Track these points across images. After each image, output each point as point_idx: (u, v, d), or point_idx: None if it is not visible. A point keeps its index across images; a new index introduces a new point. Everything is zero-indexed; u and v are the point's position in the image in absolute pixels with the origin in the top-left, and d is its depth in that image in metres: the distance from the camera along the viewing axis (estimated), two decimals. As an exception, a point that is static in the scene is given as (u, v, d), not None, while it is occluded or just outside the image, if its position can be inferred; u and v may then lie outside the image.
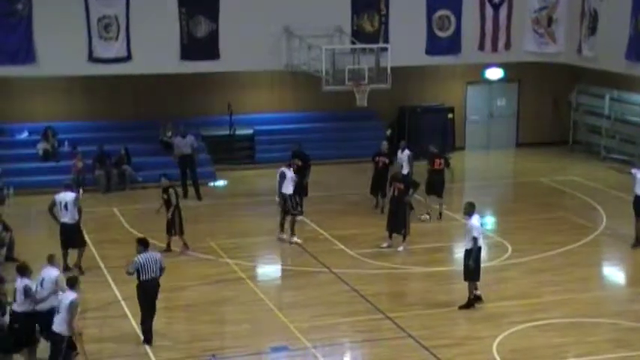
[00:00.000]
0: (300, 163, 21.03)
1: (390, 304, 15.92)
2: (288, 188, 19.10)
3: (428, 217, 20.84)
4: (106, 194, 23.09)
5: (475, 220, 15.43)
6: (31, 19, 22.26)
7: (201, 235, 19.21)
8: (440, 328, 14.98)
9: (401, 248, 18.67)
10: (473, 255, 15.38)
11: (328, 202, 21.10)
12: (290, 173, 19.19)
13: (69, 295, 12.54)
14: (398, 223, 18.68)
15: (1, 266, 16.39)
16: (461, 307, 15.59)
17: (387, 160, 20.97)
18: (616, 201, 22.89)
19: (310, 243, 19.24)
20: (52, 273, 13.42)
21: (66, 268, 17.53)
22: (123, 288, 16.41)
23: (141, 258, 14.08)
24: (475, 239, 15.34)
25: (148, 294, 14.17)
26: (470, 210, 15.53)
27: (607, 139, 27.54)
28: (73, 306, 12.42)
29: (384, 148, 21.37)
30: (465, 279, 15.68)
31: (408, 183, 18.92)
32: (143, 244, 14.27)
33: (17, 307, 13.19)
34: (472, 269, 15.45)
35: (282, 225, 19.25)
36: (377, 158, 21.20)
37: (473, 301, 15.65)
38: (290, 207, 19.11)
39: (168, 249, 18.45)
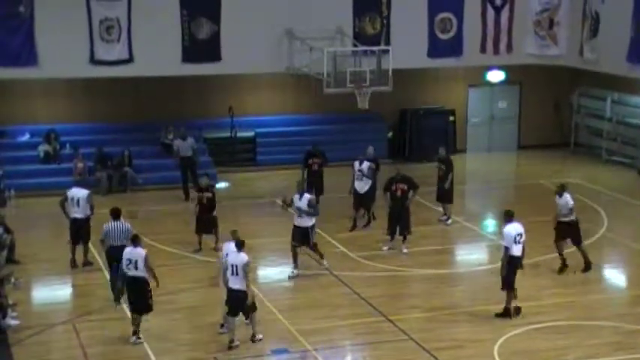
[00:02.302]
0: (320, 161, 21.35)
1: (391, 307, 15.91)
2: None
3: (446, 217, 20.83)
4: (107, 196, 23.09)
5: (510, 228, 15.18)
6: (33, 21, 22.27)
7: (202, 237, 19.20)
8: (441, 330, 14.99)
9: (405, 250, 18.63)
10: (501, 263, 15.28)
11: (329, 205, 21.07)
12: (299, 203, 17.08)
13: (243, 257, 13.97)
14: (402, 225, 18.60)
15: (2, 268, 16.40)
16: (497, 315, 15.39)
17: (373, 165, 20.56)
18: (617, 203, 22.89)
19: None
20: (232, 247, 14.42)
21: (74, 263, 17.61)
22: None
23: (107, 226, 15.86)
24: (506, 248, 15.17)
25: (113, 260, 15.56)
26: (505, 218, 15.45)
27: (608, 141, 27.54)
28: (247, 265, 13.95)
29: (370, 153, 20.75)
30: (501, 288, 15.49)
31: (411, 184, 18.83)
32: (112, 214, 15.98)
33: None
34: (503, 277, 15.29)
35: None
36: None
37: (508, 311, 15.38)
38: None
39: (200, 248, 18.72)
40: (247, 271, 13.93)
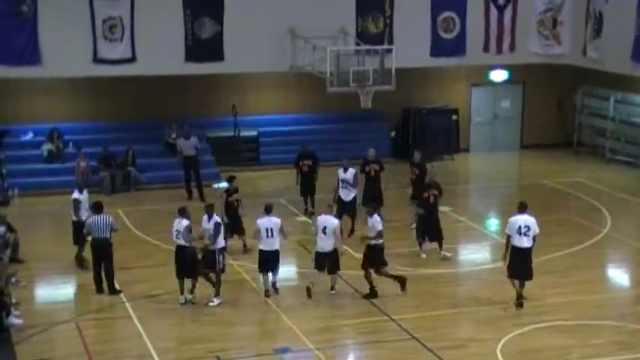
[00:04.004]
0: (310, 163, 21.10)
1: (394, 306, 15.89)
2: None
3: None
4: (111, 196, 23.08)
5: (517, 218, 15.48)
6: (37, 20, 22.31)
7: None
8: (444, 330, 14.98)
9: (449, 254, 18.34)
10: (503, 251, 15.76)
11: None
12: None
13: (334, 221, 15.95)
14: (436, 231, 18.26)
15: (6, 267, 16.40)
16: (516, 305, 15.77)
17: (377, 167, 20.36)
18: (621, 203, 22.88)
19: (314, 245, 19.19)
20: (332, 221, 16.00)
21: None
22: (127, 289, 16.44)
23: (90, 219, 16.32)
24: (507, 236, 15.60)
25: (96, 252, 16.24)
26: (517, 209, 15.67)
27: (612, 141, 27.52)
28: (338, 228, 15.99)
29: (371, 155, 20.48)
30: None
31: (440, 189, 18.41)
32: (94, 208, 16.43)
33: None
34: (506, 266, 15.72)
35: None
36: (367, 167, 20.33)
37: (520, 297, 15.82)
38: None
39: (246, 249, 18.50)
40: (338, 233, 16.07)
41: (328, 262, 16.00)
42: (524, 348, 14.21)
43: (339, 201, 19.61)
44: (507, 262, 15.63)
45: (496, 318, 15.37)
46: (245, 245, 18.51)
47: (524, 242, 15.41)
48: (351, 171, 19.62)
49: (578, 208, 22.51)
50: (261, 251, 16.07)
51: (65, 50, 22.42)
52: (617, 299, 16.71)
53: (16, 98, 24.97)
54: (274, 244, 16.00)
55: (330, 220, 15.98)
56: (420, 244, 18.41)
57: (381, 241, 15.97)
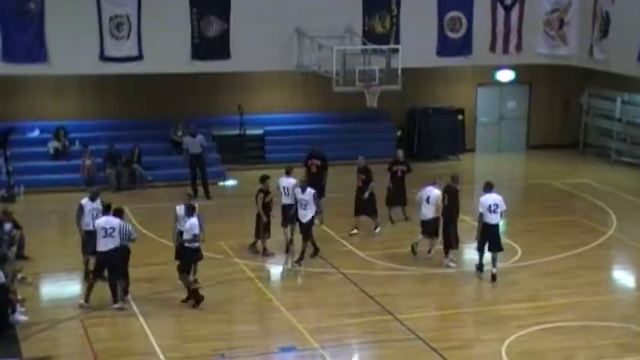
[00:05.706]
0: (319, 163, 20.84)
1: (399, 306, 15.91)
2: None
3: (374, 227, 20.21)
4: (117, 193, 23.11)
5: (487, 197, 16.89)
6: (44, 18, 22.35)
7: (211, 234, 19.14)
8: (449, 330, 14.99)
9: (453, 264, 18.15)
10: (477, 228, 17.22)
11: (338, 204, 21.08)
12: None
13: (437, 192, 17.72)
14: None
15: (12, 264, 16.44)
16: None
17: (404, 168, 20.35)
18: (627, 204, 22.85)
19: (320, 244, 19.20)
20: (435, 192, 17.73)
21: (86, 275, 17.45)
22: (132, 287, 16.45)
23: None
24: (480, 214, 16.94)
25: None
26: (484, 188, 17.18)
27: (618, 142, 27.47)
28: (440, 198, 17.68)
29: (400, 156, 20.60)
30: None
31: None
32: (114, 214, 15.63)
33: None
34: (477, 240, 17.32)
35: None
36: (395, 167, 20.34)
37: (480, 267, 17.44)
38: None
39: (265, 252, 18.44)
40: (438, 203, 17.70)
41: (429, 227, 17.84)
42: (528, 349, 14.21)
43: (298, 221, 18.40)
44: (478, 237, 17.04)
45: (501, 318, 15.37)
46: (265, 249, 18.47)
47: (494, 219, 16.84)
48: (309, 191, 18.02)
49: (584, 209, 22.48)
50: (282, 206, 18.46)
51: (72, 48, 22.45)
52: (622, 300, 16.70)
53: (22, 96, 25.02)
54: (292, 200, 18.20)
55: (433, 191, 17.76)
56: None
57: (196, 245, 15.62)
